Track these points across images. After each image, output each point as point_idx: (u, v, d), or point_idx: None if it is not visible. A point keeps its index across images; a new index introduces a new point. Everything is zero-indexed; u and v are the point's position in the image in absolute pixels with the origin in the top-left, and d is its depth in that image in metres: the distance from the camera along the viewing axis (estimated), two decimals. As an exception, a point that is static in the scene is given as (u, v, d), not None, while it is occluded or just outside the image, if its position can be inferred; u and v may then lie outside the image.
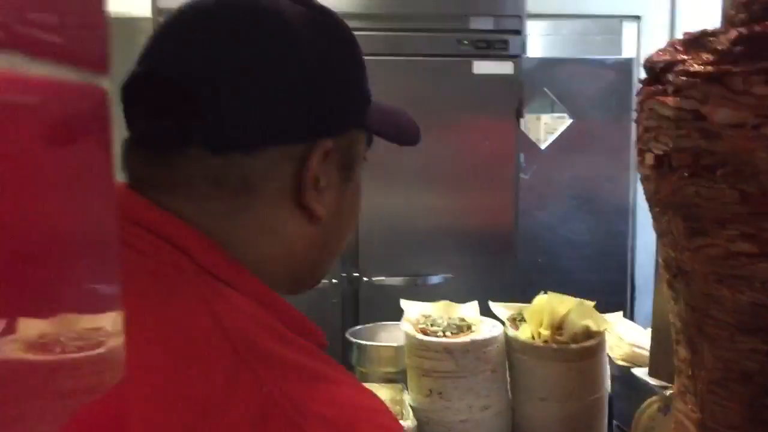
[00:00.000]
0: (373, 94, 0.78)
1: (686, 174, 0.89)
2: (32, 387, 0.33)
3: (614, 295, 2.31)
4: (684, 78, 0.86)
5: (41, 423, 0.34)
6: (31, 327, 0.33)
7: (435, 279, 2.69)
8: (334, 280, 2.67)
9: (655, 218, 1.00)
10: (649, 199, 0.99)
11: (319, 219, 0.71)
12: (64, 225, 0.36)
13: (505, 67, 2.66)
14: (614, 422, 1.67)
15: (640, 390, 1.57)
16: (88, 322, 0.42)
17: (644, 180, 0.99)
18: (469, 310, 1.67)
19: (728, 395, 0.95)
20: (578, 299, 1.54)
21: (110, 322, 0.41)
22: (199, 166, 0.66)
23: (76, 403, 0.39)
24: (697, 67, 0.86)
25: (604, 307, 1.63)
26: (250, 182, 0.67)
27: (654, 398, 1.49)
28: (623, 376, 1.68)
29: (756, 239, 0.87)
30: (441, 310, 1.66)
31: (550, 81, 3.00)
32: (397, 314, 1.66)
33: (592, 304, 1.55)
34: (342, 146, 0.72)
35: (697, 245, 0.92)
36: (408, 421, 1.48)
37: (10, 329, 0.31)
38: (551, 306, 1.52)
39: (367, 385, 1.69)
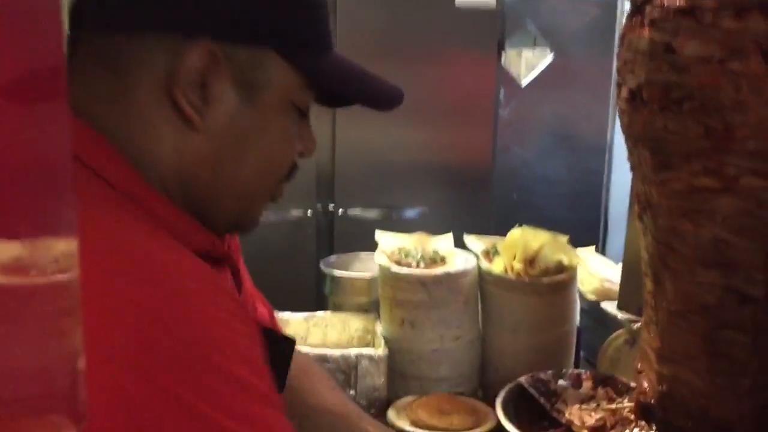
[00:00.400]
0: (337, 46, 0.76)
1: (656, 107, 0.90)
2: (8, 311, 0.33)
3: (587, 233, 2.34)
4: (659, 10, 0.86)
5: (17, 347, 0.34)
6: (4, 250, 0.32)
7: (410, 213, 2.69)
8: (309, 212, 2.66)
9: (629, 152, 1.00)
10: (624, 133, 0.99)
11: (193, 124, 0.69)
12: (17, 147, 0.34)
13: (487, 0, 2.61)
14: (582, 354, 1.71)
15: (609, 323, 1.60)
16: (63, 245, 0.41)
17: (620, 114, 0.99)
18: (444, 242, 1.67)
19: (687, 327, 0.98)
20: (552, 234, 1.55)
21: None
22: (88, 46, 0.68)
23: (52, 327, 0.38)
24: (671, 0, 0.85)
25: (576, 244, 1.64)
26: (129, 65, 0.67)
27: (621, 331, 1.52)
28: (592, 309, 1.71)
29: (718, 174, 0.88)
30: (415, 242, 1.67)
31: (533, 15, 2.95)
32: (372, 248, 1.66)
33: (565, 238, 1.56)
34: (241, 61, 0.70)
35: (663, 179, 0.93)
36: (380, 350, 1.50)
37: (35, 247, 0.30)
38: (525, 240, 1.52)
39: (340, 314, 1.70)
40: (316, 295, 2.42)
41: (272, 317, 1.03)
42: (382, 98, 0.83)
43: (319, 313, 1.71)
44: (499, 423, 1.34)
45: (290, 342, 0.90)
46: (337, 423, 0.99)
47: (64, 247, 0.41)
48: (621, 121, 0.99)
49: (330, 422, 0.99)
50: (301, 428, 0.96)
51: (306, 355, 1.10)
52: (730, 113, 0.86)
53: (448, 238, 1.69)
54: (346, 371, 1.46)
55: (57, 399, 0.37)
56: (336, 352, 1.47)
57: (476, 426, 1.38)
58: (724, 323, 0.94)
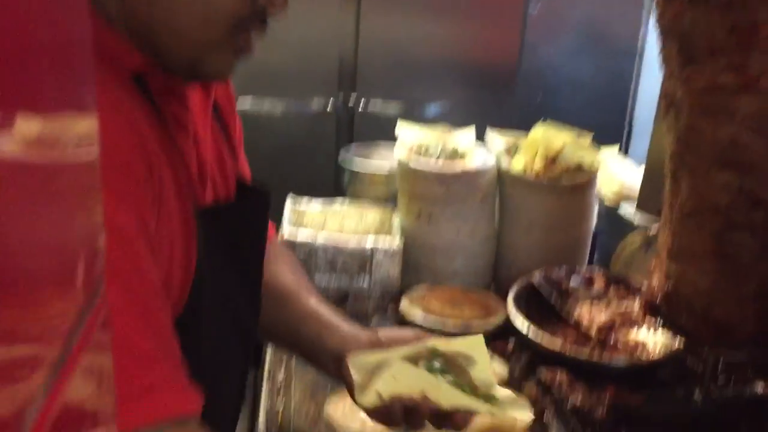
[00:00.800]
0: None
1: (686, 0, 0.89)
2: (31, 187, 0.33)
3: (611, 137, 2.29)
4: None
5: (41, 221, 0.34)
6: (27, 126, 0.32)
7: (432, 108, 2.65)
8: (329, 103, 2.63)
9: (660, 45, 0.99)
10: (656, 24, 0.98)
11: None
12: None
13: None
14: (595, 257, 1.72)
15: (625, 227, 1.60)
16: (85, 123, 0.40)
17: (656, 4, 0.97)
18: (465, 137, 1.66)
19: (698, 226, 0.99)
20: (575, 133, 1.53)
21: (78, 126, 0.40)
22: None
23: (73, 206, 0.39)
24: None
25: (599, 147, 1.62)
26: None
27: (637, 235, 1.52)
28: (610, 213, 1.70)
29: (741, 72, 0.88)
30: (436, 136, 1.65)
31: None
32: (392, 141, 1.65)
33: (588, 138, 1.54)
34: None
35: (688, 75, 0.93)
36: (395, 242, 1.51)
37: (7, 126, 0.29)
38: (547, 138, 1.51)
39: (357, 205, 1.71)
40: (335, 187, 2.43)
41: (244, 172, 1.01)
42: None
43: (337, 203, 1.72)
44: (509, 317, 1.36)
45: (264, 193, 0.92)
46: (285, 298, 1.01)
47: (87, 124, 0.40)
48: (656, 11, 0.97)
49: (277, 297, 1.00)
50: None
51: (281, 243, 1.12)
52: (757, 10, 0.84)
53: (469, 132, 1.67)
54: (361, 261, 1.49)
55: (74, 273, 0.38)
56: (352, 242, 1.49)
57: (487, 318, 1.41)
58: (735, 225, 0.95)
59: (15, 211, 0.30)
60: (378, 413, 0.83)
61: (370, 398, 0.79)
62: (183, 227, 0.75)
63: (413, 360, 0.83)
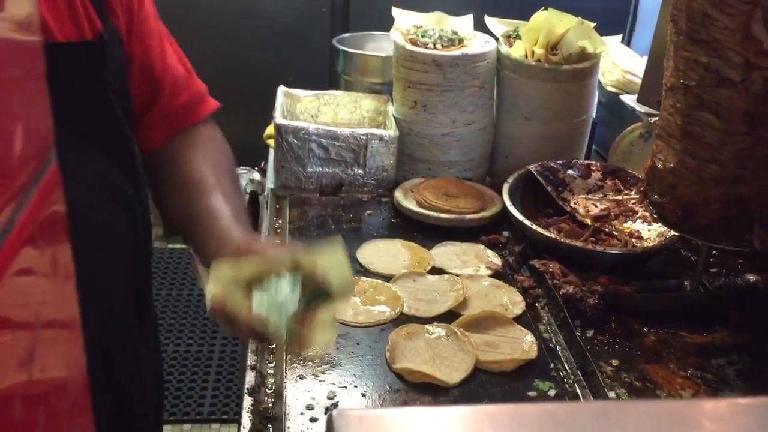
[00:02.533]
0: None
1: None
2: (20, 68, 0.30)
3: (614, 26, 2.20)
4: None
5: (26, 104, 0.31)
6: (19, 6, 0.28)
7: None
8: (323, -11, 2.53)
9: None
10: None
11: None
12: None
13: None
14: (593, 147, 1.69)
15: (626, 117, 1.56)
16: (20, 6, 0.36)
17: None
18: (463, 23, 1.59)
19: (673, 104, 1.01)
20: (578, 18, 1.47)
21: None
22: None
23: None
24: None
25: (602, 35, 1.55)
26: None
27: (637, 125, 1.49)
28: (611, 102, 1.66)
29: None
30: (433, 22, 1.59)
31: None
32: (388, 29, 1.58)
33: (592, 24, 1.48)
34: None
35: None
36: (390, 131, 1.48)
37: None
38: (549, 24, 1.45)
39: (352, 94, 1.67)
40: (329, 75, 2.37)
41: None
42: None
43: (331, 91, 1.67)
44: (504, 208, 1.35)
45: (97, 44, 0.86)
46: (189, 191, 0.99)
47: (23, 5, 0.36)
48: None
49: (185, 188, 0.99)
50: (169, 191, 1.01)
51: (211, 129, 1.08)
52: None
53: (468, 19, 1.61)
54: (356, 150, 1.46)
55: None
56: (346, 131, 1.46)
57: (481, 210, 1.40)
58: (702, 103, 0.96)
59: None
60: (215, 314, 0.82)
61: (207, 299, 0.80)
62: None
63: (269, 272, 0.81)
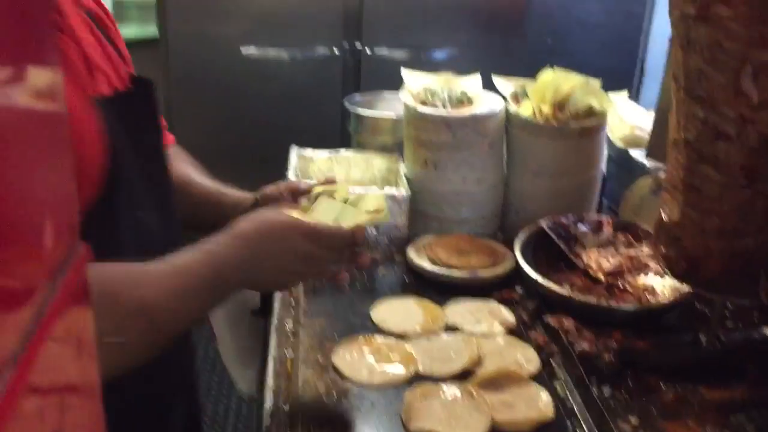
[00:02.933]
0: None
1: None
2: (38, 136, 0.31)
3: (622, 81, 2.24)
4: None
5: (41, 171, 0.33)
6: (39, 76, 0.30)
7: (439, 54, 2.61)
8: (335, 50, 2.59)
9: None
10: None
11: None
12: None
13: None
14: (604, 202, 1.70)
15: (635, 171, 1.58)
16: (45, 77, 0.39)
17: None
18: (472, 83, 1.63)
19: (675, 158, 1.03)
20: (584, 77, 1.50)
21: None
22: None
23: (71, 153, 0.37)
24: None
25: (609, 91, 1.58)
26: None
27: (647, 179, 1.50)
28: (619, 157, 1.68)
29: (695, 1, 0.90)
30: (442, 83, 1.62)
31: None
32: (398, 89, 1.62)
33: (598, 82, 1.51)
34: None
35: (671, 5, 0.95)
36: (402, 190, 1.50)
37: (18, 77, 0.28)
38: (556, 83, 1.48)
39: (364, 153, 1.70)
40: (341, 135, 2.41)
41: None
42: None
43: (343, 151, 1.70)
44: (516, 264, 1.36)
45: (149, 81, 1.02)
46: (186, 185, 1.22)
47: (48, 77, 0.39)
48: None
49: (181, 185, 1.19)
50: None
51: (180, 149, 1.31)
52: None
53: (476, 79, 1.64)
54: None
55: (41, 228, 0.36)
56: (359, 190, 1.48)
57: (494, 266, 1.40)
58: (701, 157, 0.98)
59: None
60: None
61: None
62: (85, 115, 0.85)
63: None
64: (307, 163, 1.65)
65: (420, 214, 1.54)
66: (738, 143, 0.93)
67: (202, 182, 1.26)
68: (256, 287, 1.13)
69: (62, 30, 0.85)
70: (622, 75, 2.82)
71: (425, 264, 1.40)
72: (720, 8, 0.87)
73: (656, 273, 1.33)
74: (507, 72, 1.71)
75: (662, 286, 1.31)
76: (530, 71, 1.66)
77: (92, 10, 0.99)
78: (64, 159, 0.40)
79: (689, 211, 1.02)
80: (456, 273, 1.38)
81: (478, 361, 1.14)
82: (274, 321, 1.25)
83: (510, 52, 2.67)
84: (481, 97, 1.58)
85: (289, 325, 1.24)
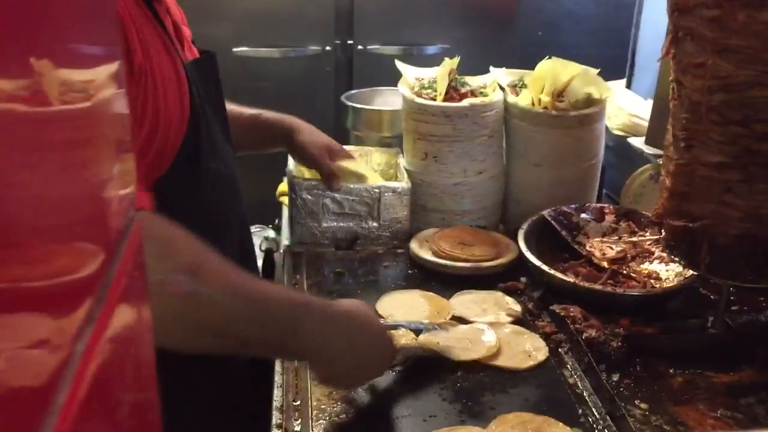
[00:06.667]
0: None
1: None
2: (24, 138, 0.31)
3: (613, 72, 2.25)
4: None
5: (36, 175, 0.32)
6: (15, 78, 0.30)
7: (431, 49, 2.60)
8: (327, 48, 2.58)
9: None
10: None
11: None
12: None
13: None
14: (604, 190, 1.70)
15: (634, 159, 1.58)
16: (78, 75, 0.38)
17: None
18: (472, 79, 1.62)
19: (667, 158, 1.10)
20: (582, 66, 1.50)
21: (101, 75, 0.38)
22: None
23: (67, 156, 0.37)
24: None
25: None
26: None
27: (647, 166, 1.51)
28: (618, 145, 1.68)
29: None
30: (439, 75, 1.62)
31: None
32: (391, 84, 1.62)
33: (596, 71, 1.51)
34: None
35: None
36: (403, 183, 1.50)
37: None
38: (554, 72, 1.47)
39: (363, 148, 1.69)
40: (335, 131, 2.39)
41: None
42: None
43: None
44: (519, 255, 1.36)
45: (212, 53, 1.16)
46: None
47: (79, 75, 0.38)
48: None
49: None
50: None
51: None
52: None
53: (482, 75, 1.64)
54: (369, 203, 1.47)
55: (82, 227, 0.36)
56: (359, 185, 1.47)
57: (497, 257, 1.40)
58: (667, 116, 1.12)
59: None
60: None
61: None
62: (176, 76, 0.98)
63: None
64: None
65: (421, 207, 1.53)
66: (679, 106, 1.02)
67: (241, 109, 1.39)
68: (320, 369, 0.97)
69: (160, 1, 1.02)
70: (613, 65, 2.83)
71: (428, 256, 1.40)
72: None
73: (660, 259, 1.33)
74: (500, 64, 1.71)
75: (666, 271, 1.31)
76: (522, 64, 1.66)
77: None
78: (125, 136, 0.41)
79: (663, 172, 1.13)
80: (460, 264, 1.37)
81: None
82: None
83: (502, 45, 2.67)
84: (480, 86, 1.58)
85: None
